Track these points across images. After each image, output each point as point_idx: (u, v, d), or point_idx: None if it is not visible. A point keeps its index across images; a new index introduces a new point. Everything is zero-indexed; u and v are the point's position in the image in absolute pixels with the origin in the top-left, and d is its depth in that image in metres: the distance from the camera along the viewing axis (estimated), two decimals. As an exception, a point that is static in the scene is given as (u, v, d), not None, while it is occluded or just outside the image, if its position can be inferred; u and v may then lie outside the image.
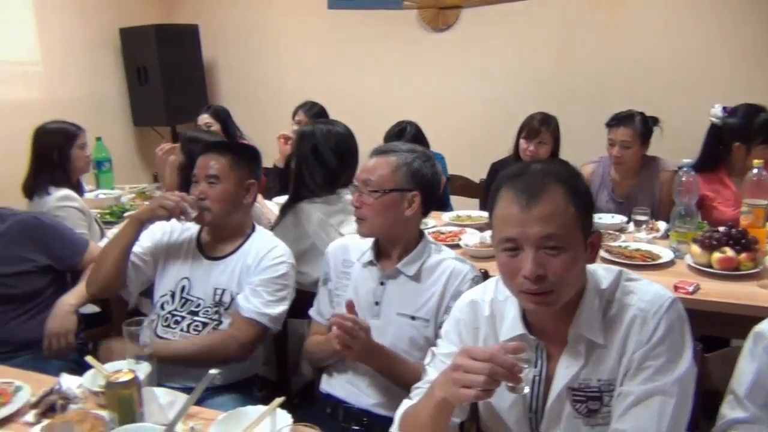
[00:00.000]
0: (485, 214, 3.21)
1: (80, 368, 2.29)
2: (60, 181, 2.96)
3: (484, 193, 3.78)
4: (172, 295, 2.12)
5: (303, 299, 2.13)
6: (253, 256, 2.08)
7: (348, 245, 2.00)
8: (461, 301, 1.46)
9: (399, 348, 1.81)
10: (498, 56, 4.59)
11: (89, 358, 1.82)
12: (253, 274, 2.05)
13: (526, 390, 1.19)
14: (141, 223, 2.07)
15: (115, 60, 5.06)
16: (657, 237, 2.83)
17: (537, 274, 1.19)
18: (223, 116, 4.09)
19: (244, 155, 2.19)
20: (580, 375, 1.29)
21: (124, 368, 1.52)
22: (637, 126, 3.14)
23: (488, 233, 2.92)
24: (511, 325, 1.35)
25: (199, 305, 2.09)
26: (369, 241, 1.96)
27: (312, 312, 2.06)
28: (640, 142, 3.15)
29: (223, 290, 2.08)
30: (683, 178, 2.60)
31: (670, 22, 4.15)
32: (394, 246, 1.87)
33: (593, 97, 4.26)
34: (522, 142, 3.48)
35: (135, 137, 5.28)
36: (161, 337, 2.09)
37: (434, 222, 3.18)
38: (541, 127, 3.44)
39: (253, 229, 2.18)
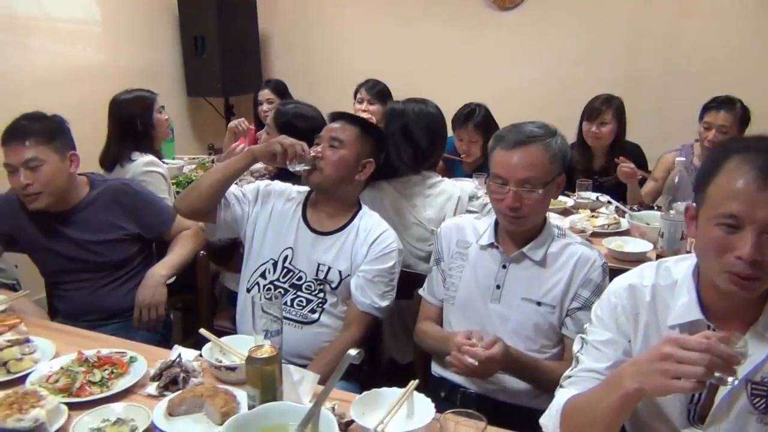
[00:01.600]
0: (564, 198, 3.15)
1: (164, 339, 2.30)
2: (145, 148, 2.95)
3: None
4: (274, 264, 2.07)
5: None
6: (362, 238, 2.02)
7: (463, 225, 1.93)
8: (617, 285, 1.39)
9: (522, 334, 1.76)
10: (566, 38, 4.47)
11: (204, 332, 1.79)
12: (365, 262, 2.00)
13: (735, 383, 1.12)
14: (254, 158, 2.05)
15: (171, 28, 4.98)
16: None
17: (754, 258, 1.12)
18: (283, 91, 4.04)
19: (373, 133, 2.14)
20: (764, 367, 1.22)
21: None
22: (738, 112, 3.08)
23: (575, 217, 2.86)
24: (684, 309, 1.28)
25: (301, 278, 2.04)
26: (486, 222, 1.90)
27: (423, 293, 2.00)
28: (737, 128, 3.08)
29: (329, 267, 2.02)
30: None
31: (746, 11, 4.01)
32: (522, 231, 1.80)
33: (664, 84, 4.17)
34: (584, 124, 3.42)
35: (187, 107, 5.21)
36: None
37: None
38: (603, 107, 3.37)
39: (359, 207, 2.12)
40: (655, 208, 2.92)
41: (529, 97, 4.51)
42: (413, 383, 1.52)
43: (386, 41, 4.99)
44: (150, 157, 2.91)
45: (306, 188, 2.13)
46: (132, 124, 2.94)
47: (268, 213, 2.11)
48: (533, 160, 1.70)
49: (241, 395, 1.49)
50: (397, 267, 2.04)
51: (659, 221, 2.35)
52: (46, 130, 2.15)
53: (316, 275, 2.02)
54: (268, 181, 2.17)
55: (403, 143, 2.36)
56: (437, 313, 1.96)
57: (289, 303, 2.03)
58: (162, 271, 2.28)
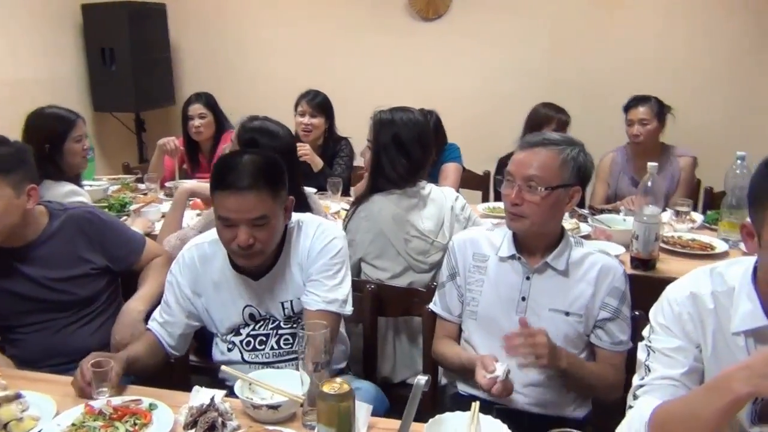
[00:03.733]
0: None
1: (149, 380, 2.10)
2: (53, 177, 2.59)
3: (496, 186, 3.78)
4: (245, 324, 1.90)
5: (385, 295, 2.11)
6: (301, 251, 1.87)
7: (477, 238, 1.91)
8: (677, 294, 1.41)
9: (552, 345, 1.76)
10: (489, 49, 4.58)
11: (226, 368, 1.65)
12: (309, 266, 1.85)
13: None
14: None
15: (75, 38, 4.63)
16: (694, 227, 2.93)
17: None
18: (215, 106, 3.84)
19: (273, 177, 1.78)
20: None
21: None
22: (653, 105, 3.41)
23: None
24: (749, 316, 1.31)
25: (275, 320, 1.89)
26: (500, 234, 1.89)
27: (436, 309, 1.96)
28: (656, 120, 3.40)
29: (291, 300, 1.88)
30: (736, 170, 2.70)
31: (664, 20, 4.30)
32: (540, 240, 1.80)
33: (587, 91, 4.36)
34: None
35: (94, 123, 4.85)
36: (252, 362, 1.90)
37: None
38: (550, 115, 3.52)
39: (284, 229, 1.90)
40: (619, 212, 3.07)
41: (456, 105, 4.58)
42: (476, 405, 1.48)
43: (308, 50, 4.90)
44: (69, 186, 2.60)
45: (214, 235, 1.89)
46: (39, 149, 2.46)
47: (210, 290, 1.89)
48: (542, 161, 1.73)
49: (296, 436, 1.39)
50: (343, 255, 1.88)
51: (634, 224, 2.44)
52: (3, 160, 1.90)
53: (284, 314, 1.89)
54: (177, 272, 1.92)
55: (397, 155, 2.31)
56: (455, 329, 1.93)
57: (275, 346, 1.89)
58: (139, 306, 2.08)
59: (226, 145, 3.00)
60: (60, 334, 2.08)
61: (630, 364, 1.73)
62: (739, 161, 2.71)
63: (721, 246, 2.65)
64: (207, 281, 1.88)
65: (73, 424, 1.46)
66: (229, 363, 1.89)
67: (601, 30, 4.40)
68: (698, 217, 3.01)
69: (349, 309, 1.88)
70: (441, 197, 2.38)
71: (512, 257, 1.83)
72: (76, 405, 1.55)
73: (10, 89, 4.15)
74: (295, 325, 1.88)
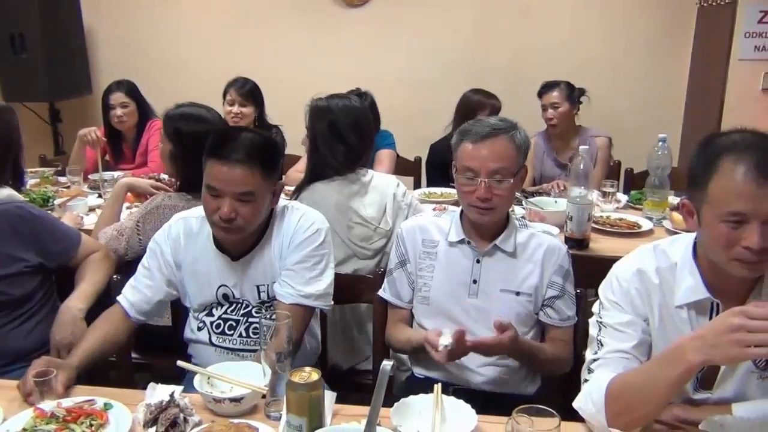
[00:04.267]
0: (453, 190, 3.27)
1: (91, 378, 2.02)
2: None
3: (428, 173, 3.83)
4: (219, 303, 1.89)
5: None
6: (283, 236, 1.86)
7: (425, 224, 1.94)
8: (624, 270, 1.48)
9: (505, 324, 1.81)
10: (415, 36, 4.62)
11: (184, 364, 1.62)
12: (289, 255, 1.83)
13: None
14: None
15: (-22, 25, 4.33)
16: (619, 207, 3.08)
17: (762, 246, 1.25)
18: (137, 94, 3.71)
19: (268, 156, 1.81)
20: None
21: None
22: (563, 88, 3.60)
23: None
24: (691, 291, 1.40)
25: (248, 305, 1.88)
26: (448, 220, 1.93)
27: (386, 295, 1.98)
28: (568, 102, 3.58)
29: (267, 285, 1.87)
30: (658, 152, 2.84)
31: (583, 6, 4.47)
32: (491, 225, 1.84)
33: (510, 76, 4.46)
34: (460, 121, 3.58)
35: (4, 114, 4.57)
36: (218, 346, 1.89)
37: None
38: (483, 102, 3.60)
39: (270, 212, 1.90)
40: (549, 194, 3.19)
41: (381, 94, 4.57)
42: (437, 387, 1.51)
43: (232, 37, 4.79)
44: None
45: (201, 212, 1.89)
46: None
47: (188, 264, 1.88)
48: (502, 152, 1.76)
49: (264, 427, 1.38)
50: (327, 247, 1.87)
51: (567, 206, 2.53)
52: None
53: (259, 298, 1.87)
54: (162, 241, 1.90)
55: (333, 142, 2.31)
56: (407, 315, 1.96)
57: (244, 333, 1.88)
58: (78, 304, 1.99)
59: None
60: (-6, 337, 1.97)
61: (581, 339, 1.82)
62: (660, 143, 2.86)
63: (646, 224, 2.79)
64: (188, 255, 1.87)
65: (24, 429, 1.39)
66: (196, 342, 1.91)
67: (521, 17, 4.52)
68: (622, 197, 3.16)
69: (328, 303, 1.88)
70: (382, 184, 2.40)
71: (461, 242, 1.87)
72: (24, 410, 1.48)
73: None
74: (266, 315, 1.84)
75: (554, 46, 4.48)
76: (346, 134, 2.33)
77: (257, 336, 1.88)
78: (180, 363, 1.62)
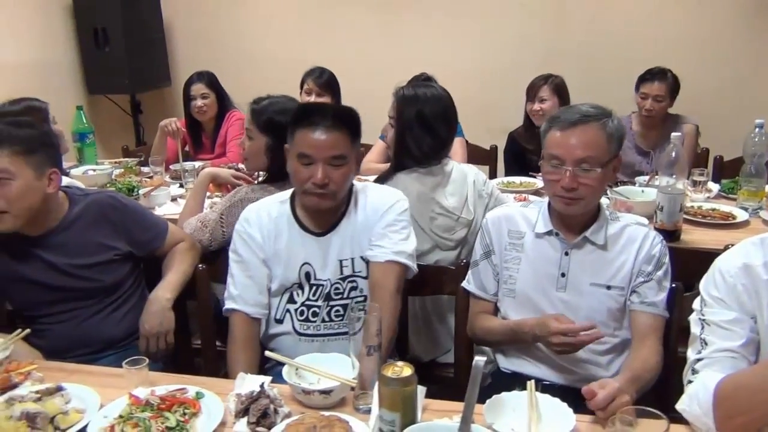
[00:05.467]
0: (533, 180, 3.19)
1: (173, 367, 2.05)
2: None
3: (506, 162, 3.76)
4: (300, 286, 1.89)
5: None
6: (368, 209, 1.89)
7: (512, 214, 1.88)
8: (729, 265, 1.39)
9: (596, 320, 1.73)
10: (489, 20, 4.52)
11: (271, 354, 1.61)
12: (376, 222, 1.88)
13: None
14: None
15: (65, 20, 4.50)
16: (710, 197, 2.93)
17: None
18: (217, 85, 3.76)
19: (351, 121, 1.89)
20: None
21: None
22: (669, 81, 3.41)
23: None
24: None
25: (327, 287, 1.89)
26: (535, 210, 1.87)
27: (471, 287, 1.93)
28: (670, 97, 3.41)
29: (351, 259, 1.88)
30: (755, 138, 2.68)
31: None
32: (581, 216, 1.77)
33: (587, 61, 4.31)
34: (528, 105, 3.51)
35: (88, 106, 4.72)
36: (303, 334, 1.90)
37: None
38: (539, 82, 3.49)
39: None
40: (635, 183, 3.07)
41: (452, 82, 4.49)
42: (531, 384, 1.46)
43: (303, 28, 4.80)
44: None
45: (284, 196, 1.95)
46: None
47: (272, 244, 1.89)
48: (591, 140, 1.68)
49: (353, 420, 1.36)
50: (407, 214, 1.91)
51: (658, 195, 2.42)
52: (26, 139, 1.83)
53: (341, 273, 1.88)
54: (245, 227, 1.91)
55: (422, 133, 2.26)
56: (491, 307, 1.91)
57: (327, 318, 1.89)
58: (166, 294, 2.03)
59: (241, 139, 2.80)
60: (86, 324, 2.03)
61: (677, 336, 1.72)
62: (757, 129, 2.70)
63: (741, 215, 2.64)
64: (271, 235, 1.88)
65: (121, 416, 1.41)
66: (278, 335, 1.91)
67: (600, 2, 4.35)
68: (714, 186, 3.00)
69: (415, 266, 1.90)
70: (463, 174, 2.34)
71: (549, 233, 1.80)
72: (119, 396, 1.51)
73: (2, 77, 4.03)
74: (345, 293, 1.88)
75: (633, 26, 4.29)
76: (435, 124, 2.28)
77: (340, 319, 1.90)
78: (268, 353, 1.62)
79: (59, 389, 1.50)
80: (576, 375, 1.76)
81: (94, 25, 4.39)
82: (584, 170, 1.68)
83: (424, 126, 2.27)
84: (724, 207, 2.73)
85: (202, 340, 2.25)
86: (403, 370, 1.26)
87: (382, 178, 2.34)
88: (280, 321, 1.92)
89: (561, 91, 3.43)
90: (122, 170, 3.58)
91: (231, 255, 1.92)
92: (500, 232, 1.87)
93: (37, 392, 1.48)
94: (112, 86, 4.54)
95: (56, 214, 1.97)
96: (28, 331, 1.75)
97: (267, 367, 1.85)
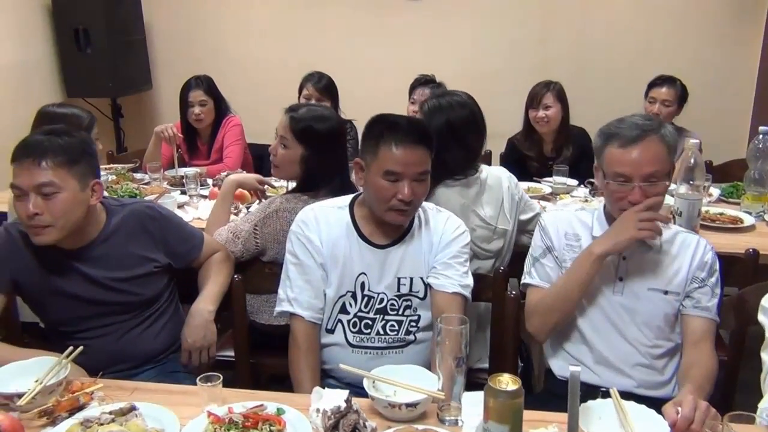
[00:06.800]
0: (539, 185, 3.24)
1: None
2: None
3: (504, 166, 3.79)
4: (353, 295, 1.88)
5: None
6: (431, 233, 1.90)
7: (568, 218, 1.92)
8: None
9: (653, 325, 1.78)
10: (479, 27, 4.57)
11: (345, 367, 1.59)
12: (439, 251, 1.89)
13: None
14: None
15: (43, 20, 4.33)
16: (711, 201, 3.03)
17: None
18: (215, 91, 3.68)
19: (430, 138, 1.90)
20: None
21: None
22: (678, 88, 3.52)
23: (566, 203, 2.96)
24: None
25: (383, 300, 1.88)
26: (588, 214, 1.92)
27: (534, 281, 1.91)
28: (677, 104, 3.52)
29: (410, 278, 1.88)
30: (759, 145, 2.79)
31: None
32: None
33: (580, 67, 4.41)
34: (530, 112, 3.55)
35: (67, 111, 4.58)
36: (356, 346, 1.89)
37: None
38: (543, 90, 3.51)
39: None
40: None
41: (448, 84, 4.54)
42: (614, 391, 1.48)
43: (291, 31, 4.75)
44: None
45: (342, 202, 1.94)
46: None
47: (330, 249, 1.88)
48: (655, 154, 1.72)
49: (447, 434, 1.37)
50: (469, 247, 1.94)
51: (676, 201, 2.49)
52: (68, 149, 1.76)
53: (398, 290, 1.88)
54: (303, 230, 1.89)
55: (452, 144, 2.26)
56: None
57: (381, 331, 1.89)
58: (208, 306, 1.99)
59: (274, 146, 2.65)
60: (125, 339, 1.97)
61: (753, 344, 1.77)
62: (761, 135, 2.81)
63: (747, 219, 2.74)
64: (330, 240, 1.87)
65: (206, 436, 1.38)
66: (328, 346, 1.90)
67: (595, 4, 4.45)
68: (715, 190, 3.11)
69: (470, 300, 1.91)
70: (497, 180, 2.36)
71: None
72: (191, 414, 1.47)
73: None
74: (401, 310, 1.88)
75: (620, 33, 4.42)
76: (465, 134, 2.29)
77: (395, 333, 1.89)
78: (343, 366, 1.60)
79: (133, 408, 1.45)
80: (633, 380, 1.79)
81: (75, 25, 4.24)
82: (651, 183, 1.72)
83: (455, 138, 2.28)
84: (730, 211, 2.83)
85: (236, 353, 2.22)
86: (511, 382, 1.27)
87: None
88: (331, 331, 1.90)
89: (563, 97, 3.49)
90: (115, 177, 3.48)
91: (288, 257, 1.90)
92: (558, 232, 1.90)
93: (110, 413, 1.43)
94: (92, 89, 4.39)
95: (95, 226, 1.91)
96: (81, 348, 1.67)
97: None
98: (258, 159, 3.90)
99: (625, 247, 1.75)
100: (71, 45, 4.29)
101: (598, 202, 2.98)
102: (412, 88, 3.67)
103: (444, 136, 2.26)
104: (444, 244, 1.89)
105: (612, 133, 1.76)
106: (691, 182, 2.46)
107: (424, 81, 3.64)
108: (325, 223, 1.88)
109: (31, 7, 4.25)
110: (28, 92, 4.20)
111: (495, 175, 2.38)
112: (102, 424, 1.38)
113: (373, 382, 1.55)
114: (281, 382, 2.61)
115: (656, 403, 1.61)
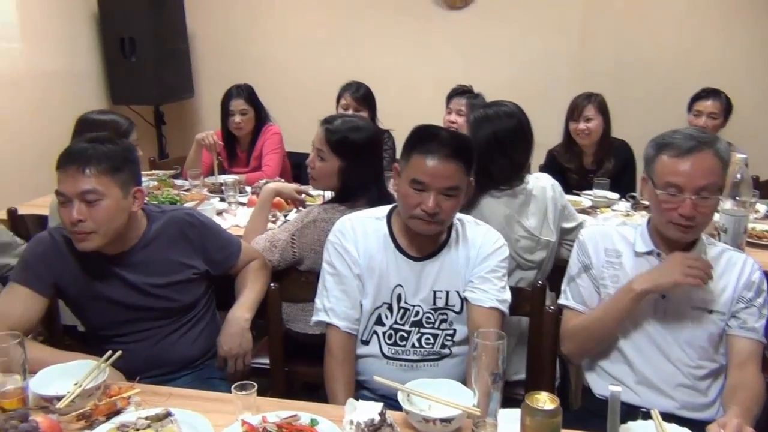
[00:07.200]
0: (578, 198, 3.19)
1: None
2: None
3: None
4: (389, 307, 1.87)
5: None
6: (468, 246, 1.88)
7: (609, 233, 1.88)
8: None
9: (697, 345, 1.74)
10: (518, 38, 4.54)
11: (380, 379, 1.58)
12: (476, 265, 1.87)
13: None
14: None
15: (90, 29, 4.45)
16: (758, 218, 2.95)
17: None
18: (255, 100, 3.72)
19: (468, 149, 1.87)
20: None
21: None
22: (723, 100, 3.47)
23: (607, 217, 2.91)
24: None
25: (418, 313, 1.87)
26: (630, 229, 1.88)
27: (569, 302, 1.89)
28: (723, 116, 3.47)
29: (446, 292, 1.87)
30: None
31: (690, 7, 4.31)
32: (690, 239, 1.76)
33: (621, 79, 4.34)
34: (571, 124, 3.50)
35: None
36: (391, 358, 1.87)
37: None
38: (584, 102, 3.47)
39: None
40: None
41: (486, 95, 4.52)
42: (656, 413, 1.45)
43: (330, 42, 4.79)
44: None
45: (379, 213, 1.93)
46: None
47: (367, 260, 1.87)
48: (710, 167, 1.67)
49: (484, 450, 1.34)
50: (507, 261, 1.91)
51: (721, 217, 2.42)
52: (112, 157, 1.79)
53: (434, 303, 1.86)
54: (340, 240, 1.89)
55: (498, 155, 2.24)
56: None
57: (417, 344, 1.87)
58: (245, 314, 2.00)
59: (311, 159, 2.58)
60: (162, 344, 1.99)
61: None
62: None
63: (795, 237, 2.66)
64: (367, 251, 1.87)
65: (241, 445, 1.38)
66: (363, 357, 1.89)
67: (635, 17, 4.38)
68: (762, 207, 3.03)
69: (508, 315, 1.89)
70: (541, 189, 2.35)
71: (650, 253, 1.79)
72: (225, 422, 1.47)
73: (25, 83, 3.98)
74: (436, 323, 1.86)
75: (662, 44, 4.35)
76: (511, 145, 2.27)
77: (430, 346, 1.87)
78: (377, 378, 1.59)
79: (168, 414, 1.46)
80: (675, 401, 1.74)
81: (121, 34, 4.35)
82: (703, 198, 1.67)
83: (501, 149, 2.26)
84: (777, 229, 2.76)
85: (271, 361, 2.22)
86: (548, 401, 1.24)
87: (467, 206, 2.31)
88: (366, 342, 1.90)
89: (604, 109, 3.44)
90: (156, 183, 3.54)
91: (325, 267, 1.90)
92: (597, 249, 1.87)
93: (146, 418, 1.44)
94: (137, 96, 4.49)
95: (136, 232, 1.93)
96: (119, 353, 1.69)
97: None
98: (296, 167, 3.94)
99: (667, 289, 1.71)
100: (117, 53, 4.39)
101: (641, 217, 2.94)
102: (449, 98, 3.65)
103: (491, 146, 2.25)
104: (482, 258, 1.86)
105: (666, 143, 1.72)
106: (737, 198, 2.39)
107: (461, 91, 3.62)
108: (362, 234, 1.87)
109: (79, 16, 4.37)
110: (74, 99, 4.30)
111: (540, 185, 2.35)
112: (138, 429, 1.40)
113: (408, 395, 1.53)
114: (314, 390, 2.62)
115: (699, 426, 1.57)
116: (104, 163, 1.77)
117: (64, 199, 1.77)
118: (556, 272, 2.31)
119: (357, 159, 2.20)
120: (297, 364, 2.33)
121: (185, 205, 3.04)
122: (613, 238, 1.86)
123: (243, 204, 3.17)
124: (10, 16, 3.85)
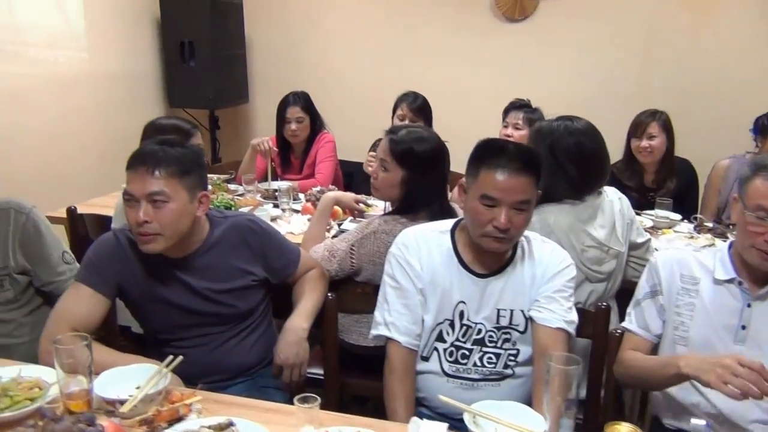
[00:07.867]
0: (639, 218, 3.09)
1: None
2: None
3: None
4: (451, 324, 1.83)
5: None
6: (534, 264, 1.82)
7: (685, 259, 1.80)
8: None
9: (777, 379, 1.64)
10: (578, 52, 4.46)
11: (446, 399, 1.54)
12: (542, 284, 1.81)
13: None
14: None
15: (151, 32, 4.52)
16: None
17: None
18: (311, 107, 3.71)
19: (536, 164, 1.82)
20: None
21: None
22: None
23: (669, 238, 2.82)
24: None
25: (480, 331, 1.82)
26: (708, 255, 1.79)
27: (632, 327, 1.84)
28: None
29: (510, 311, 1.81)
30: None
31: (759, 26, 4.17)
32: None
33: (680, 96, 4.22)
34: (633, 141, 3.41)
35: (168, 120, 4.75)
36: (451, 376, 1.83)
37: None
38: (648, 120, 3.37)
39: None
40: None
41: (544, 110, 4.46)
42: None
43: (386, 51, 4.78)
44: None
45: (444, 227, 1.88)
46: None
47: (430, 275, 1.82)
48: None
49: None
50: (573, 282, 1.85)
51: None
52: (181, 160, 1.79)
53: (497, 322, 1.81)
54: (403, 252, 1.84)
55: (554, 169, 2.19)
56: (649, 348, 1.82)
57: (478, 363, 1.82)
58: (303, 323, 1.98)
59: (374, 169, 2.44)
60: (220, 350, 1.98)
61: None
62: None
63: None
64: (430, 266, 1.82)
65: (304, 459, 1.35)
66: (425, 373, 1.85)
67: (702, 36, 4.26)
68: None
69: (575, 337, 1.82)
70: (608, 201, 2.29)
71: (731, 281, 1.72)
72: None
73: (87, 84, 4.06)
74: (499, 342, 1.81)
75: (729, 61, 4.21)
76: (563, 162, 2.21)
77: (492, 365, 1.82)
78: (442, 398, 1.55)
79: (231, 424, 1.44)
80: None
81: (181, 38, 4.41)
82: None
83: (557, 162, 2.20)
84: None
85: (325, 373, 2.19)
86: (629, 429, 1.18)
87: None
88: (426, 359, 1.86)
89: (669, 127, 3.34)
90: (210, 187, 3.55)
91: (387, 280, 1.86)
92: (672, 275, 1.79)
93: (209, 427, 1.42)
94: (193, 100, 4.55)
95: (199, 237, 1.93)
96: (180, 358, 1.68)
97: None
98: (348, 176, 3.93)
99: (704, 385, 1.52)
100: (176, 57, 4.46)
101: (705, 240, 2.84)
102: (506, 111, 3.59)
103: (548, 160, 2.19)
104: (548, 277, 1.80)
105: (765, 165, 1.64)
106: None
107: (519, 105, 3.56)
108: (426, 248, 1.83)
109: (142, 20, 4.44)
110: (133, 101, 4.38)
111: (608, 199, 2.30)
112: (202, 439, 1.37)
113: (474, 416, 1.48)
114: (364, 402, 2.59)
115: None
116: (173, 165, 1.78)
117: (131, 200, 1.78)
118: (620, 299, 2.25)
119: (420, 171, 2.17)
120: (349, 376, 2.30)
121: (239, 210, 3.05)
122: (690, 264, 1.79)
123: (297, 211, 3.16)
124: (77, 24, 3.94)
